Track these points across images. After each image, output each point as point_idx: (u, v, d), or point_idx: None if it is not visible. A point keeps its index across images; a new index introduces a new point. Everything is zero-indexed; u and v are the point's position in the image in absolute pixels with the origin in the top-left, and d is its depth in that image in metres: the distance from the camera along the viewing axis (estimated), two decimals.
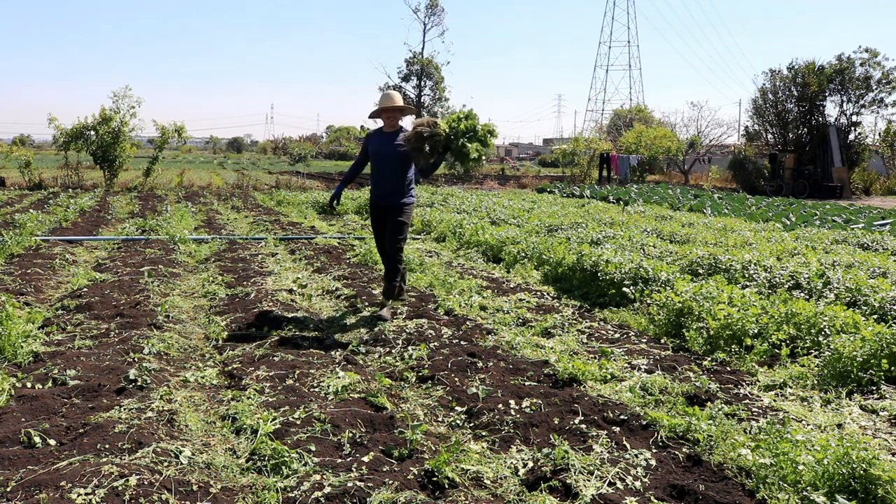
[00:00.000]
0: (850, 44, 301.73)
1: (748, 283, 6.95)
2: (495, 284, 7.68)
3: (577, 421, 3.81)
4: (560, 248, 8.57)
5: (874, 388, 4.33)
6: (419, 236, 12.02)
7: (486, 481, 3.19)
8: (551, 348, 5.30)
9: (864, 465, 2.94)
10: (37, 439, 3.37)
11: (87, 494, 2.82)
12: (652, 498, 3.00)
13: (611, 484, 3.11)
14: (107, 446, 3.30)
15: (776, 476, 3.08)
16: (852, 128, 30.86)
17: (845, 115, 30.55)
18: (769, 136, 32.90)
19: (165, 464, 3.20)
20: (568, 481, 3.10)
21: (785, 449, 3.20)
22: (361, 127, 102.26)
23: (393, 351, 5.19)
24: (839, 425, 3.84)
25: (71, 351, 4.83)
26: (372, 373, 4.64)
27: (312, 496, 2.94)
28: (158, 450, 3.29)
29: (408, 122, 6.43)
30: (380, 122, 6.27)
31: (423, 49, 32.35)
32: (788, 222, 14.40)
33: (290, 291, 7.01)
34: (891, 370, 4.44)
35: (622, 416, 3.85)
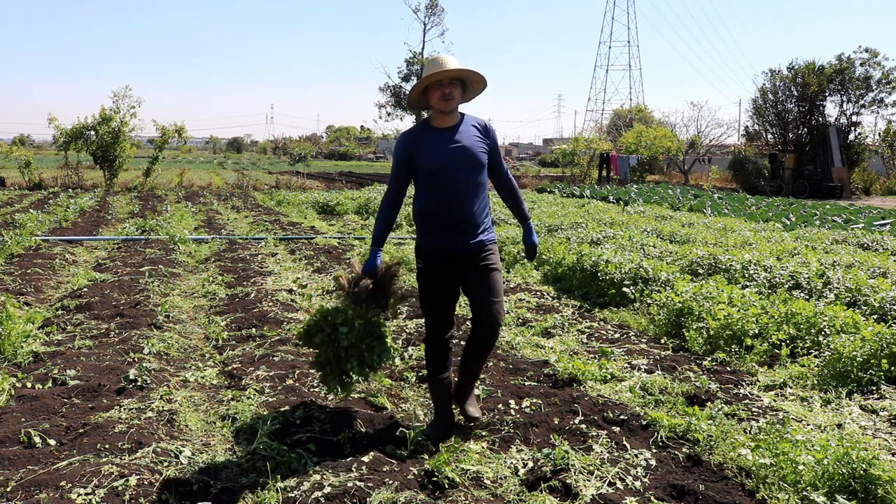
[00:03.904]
0: (850, 44, 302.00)
1: (748, 283, 6.95)
2: None
3: (577, 421, 3.81)
4: (560, 248, 8.57)
5: (874, 388, 4.33)
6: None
7: (486, 481, 3.19)
8: (551, 348, 5.30)
9: (864, 465, 2.94)
10: (37, 439, 3.37)
11: (87, 494, 2.82)
12: (652, 498, 3.00)
13: (611, 484, 3.11)
14: (107, 446, 3.30)
15: (776, 476, 3.08)
16: (852, 128, 30.85)
17: (845, 115, 30.55)
18: (769, 136, 32.90)
19: (165, 464, 3.20)
20: (568, 481, 3.10)
21: (785, 449, 3.21)
22: (361, 127, 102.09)
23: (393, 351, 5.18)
24: (839, 425, 3.84)
25: (71, 351, 4.83)
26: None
27: (312, 496, 2.94)
28: (158, 450, 3.29)
29: (473, 109, 4.14)
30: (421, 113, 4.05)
31: (423, 49, 32.39)
32: (788, 222, 14.39)
33: (290, 291, 7.01)
34: (891, 370, 4.44)
35: (622, 416, 3.85)
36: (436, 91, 3.51)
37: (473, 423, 3.74)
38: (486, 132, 3.66)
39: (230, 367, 4.71)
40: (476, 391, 3.81)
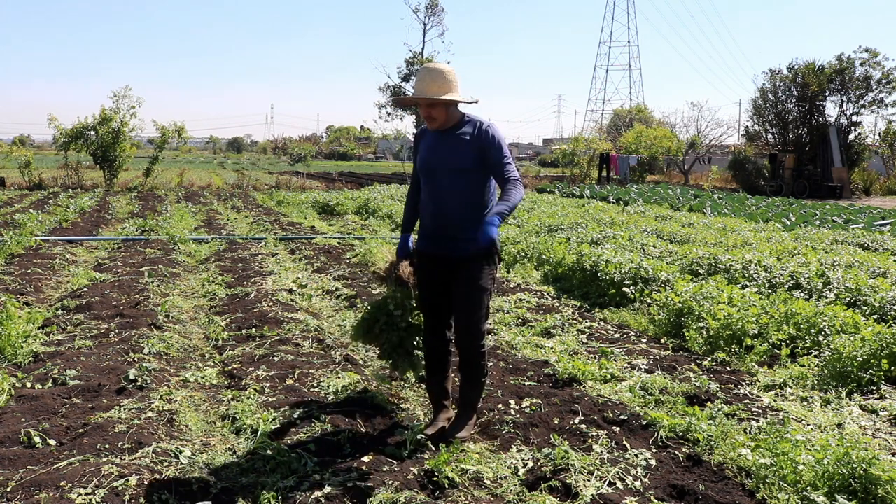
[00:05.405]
0: (850, 44, 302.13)
1: (748, 283, 6.95)
2: None
3: (577, 421, 3.81)
4: (560, 248, 8.57)
5: (874, 388, 4.33)
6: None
7: (486, 481, 3.19)
8: (551, 348, 5.30)
9: (864, 465, 2.94)
10: (37, 439, 3.37)
11: (87, 494, 2.82)
12: (652, 498, 3.00)
13: (611, 484, 3.11)
14: (107, 446, 3.30)
15: (776, 476, 3.08)
16: (852, 128, 30.85)
17: (845, 115, 30.55)
18: (769, 136, 32.89)
19: (165, 464, 3.20)
20: (568, 481, 3.11)
21: (785, 449, 3.21)
22: (361, 127, 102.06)
23: None
24: (839, 425, 3.84)
25: (71, 351, 4.83)
26: (372, 373, 4.64)
27: (312, 496, 2.94)
28: (158, 450, 3.29)
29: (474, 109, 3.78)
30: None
31: (423, 49, 32.35)
32: (788, 222, 14.39)
33: (290, 291, 7.01)
34: (891, 370, 4.44)
35: (622, 416, 3.85)
36: (423, 110, 3.51)
37: (454, 439, 3.54)
38: (477, 135, 3.48)
39: (230, 367, 4.71)
40: (471, 420, 3.70)
